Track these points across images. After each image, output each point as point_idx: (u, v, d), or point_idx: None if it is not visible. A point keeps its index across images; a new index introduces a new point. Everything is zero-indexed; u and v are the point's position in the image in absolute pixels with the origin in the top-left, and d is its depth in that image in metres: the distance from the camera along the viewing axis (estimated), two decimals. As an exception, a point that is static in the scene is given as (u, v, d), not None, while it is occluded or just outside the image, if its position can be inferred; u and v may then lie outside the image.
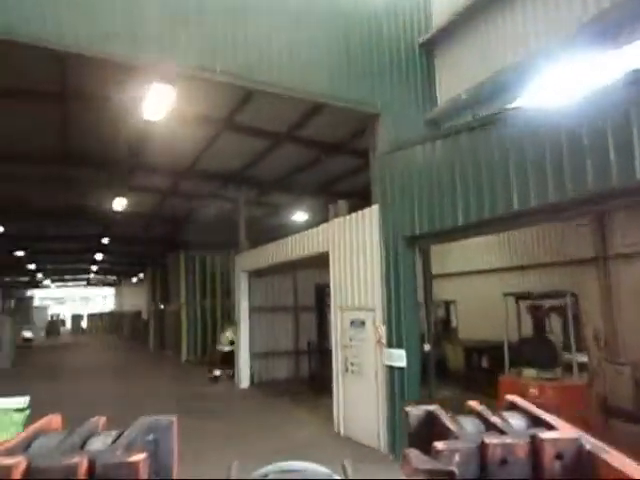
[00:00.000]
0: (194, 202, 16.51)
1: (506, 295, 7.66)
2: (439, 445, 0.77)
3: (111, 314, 43.30)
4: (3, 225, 18.77)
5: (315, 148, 11.37)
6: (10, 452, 0.76)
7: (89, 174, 13.15)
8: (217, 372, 13.81)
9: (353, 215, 8.18)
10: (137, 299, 45.59)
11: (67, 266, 36.69)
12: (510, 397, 0.96)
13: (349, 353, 8.05)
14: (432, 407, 0.94)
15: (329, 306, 12.23)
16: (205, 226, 19.30)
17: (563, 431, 0.80)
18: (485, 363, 10.94)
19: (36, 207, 16.73)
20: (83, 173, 13.02)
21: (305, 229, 10.34)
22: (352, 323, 8.01)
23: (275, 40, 7.07)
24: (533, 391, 6.17)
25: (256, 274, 13.88)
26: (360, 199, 8.37)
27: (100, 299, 57.40)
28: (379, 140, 7.62)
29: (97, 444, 0.84)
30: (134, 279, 46.81)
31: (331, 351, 8.91)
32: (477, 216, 5.63)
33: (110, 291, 58.08)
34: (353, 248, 8.06)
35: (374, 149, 7.73)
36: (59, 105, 8.94)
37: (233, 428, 8.34)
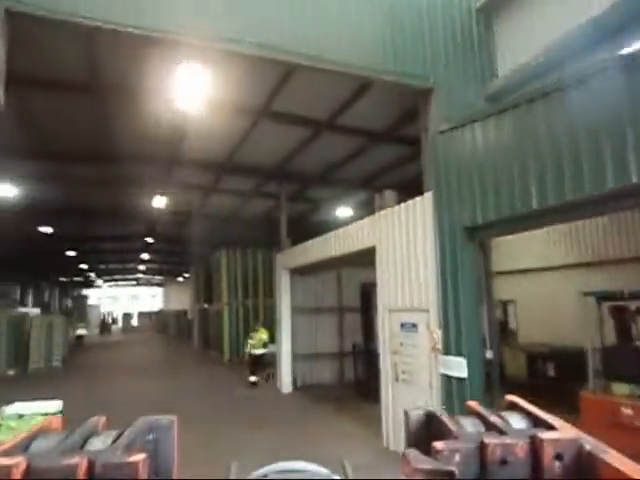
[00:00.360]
0: (235, 199, 16.09)
1: (586, 295, 6.57)
2: (439, 445, 0.78)
3: (159, 313, 44.19)
4: (52, 226, 19.16)
5: (359, 137, 10.57)
6: (10, 452, 0.77)
7: (129, 172, 12.95)
8: (253, 378, 13.05)
9: (402, 206, 7.34)
10: (183, 298, 46.39)
11: (116, 266, 37.65)
12: (510, 397, 0.99)
13: (399, 360, 7.21)
14: (432, 408, 0.94)
15: (375, 306, 11.43)
16: (247, 224, 18.93)
17: (563, 431, 0.81)
18: (551, 372, 9.76)
19: (81, 207, 16.84)
20: (123, 171, 12.82)
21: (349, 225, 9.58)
22: (402, 326, 7.17)
23: (318, 8, 6.32)
24: (627, 411, 5.10)
25: (298, 273, 13.25)
26: (409, 192, 7.51)
27: (149, 298, 58.96)
28: (432, 119, 6.73)
29: (97, 444, 0.85)
30: (180, 279, 47.70)
31: (378, 353, 8.15)
32: (556, 198, 4.66)
33: (159, 290, 59.60)
34: (403, 242, 7.22)
35: (426, 130, 6.85)
36: (92, 99, 8.61)
37: (279, 440, 7.68)
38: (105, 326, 45.83)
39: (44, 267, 34.94)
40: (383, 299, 7.77)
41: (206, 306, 25.26)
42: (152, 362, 19.97)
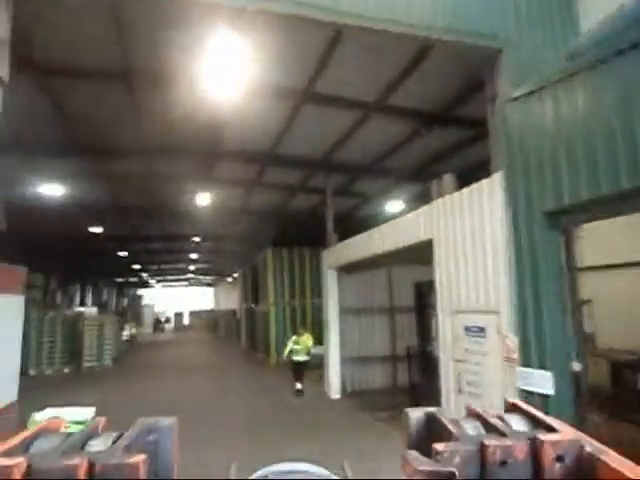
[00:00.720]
0: (280, 194, 15.47)
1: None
2: (439, 447, 0.79)
3: (209, 312, 44.75)
4: (101, 225, 19.28)
5: (411, 119, 9.59)
6: (10, 453, 0.78)
7: (170, 167, 12.57)
8: (299, 385, 12.10)
9: (465, 191, 6.35)
10: (232, 298, 46.77)
11: (168, 266, 38.31)
12: (511, 399, 0.99)
13: (464, 368, 6.23)
14: (432, 409, 0.95)
15: (431, 306, 10.38)
16: (293, 220, 18.30)
17: (563, 433, 0.81)
18: (643, 383, 8.40)
19: (126, 206, 16.62)
20: (163, 166, 12.45)
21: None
22: (467, 330, 6.18)
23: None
24: None
25: (346, 271, 12.44)
26: (467, 182, 6.52)
27: (200, 298, 60.11)
28: (501, 86, 5.70)
29: (97, 445, 0.86)
30: (229, 279, 48.12)
31: (435, 357, 7.21)
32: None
33: (209, 290, 60.63)
34: (466, 233, 6.24)
35: (493, 99, 5.83)
36: (124, 87, 8.11)
37: (330, 455, 6.91)
38: (158, 325, 47.32)
39: (100, 268, 36.13)
40: (443, 299, 6.80)
41: (253, 306, 24.98)
42: (198, 363, 19.79)
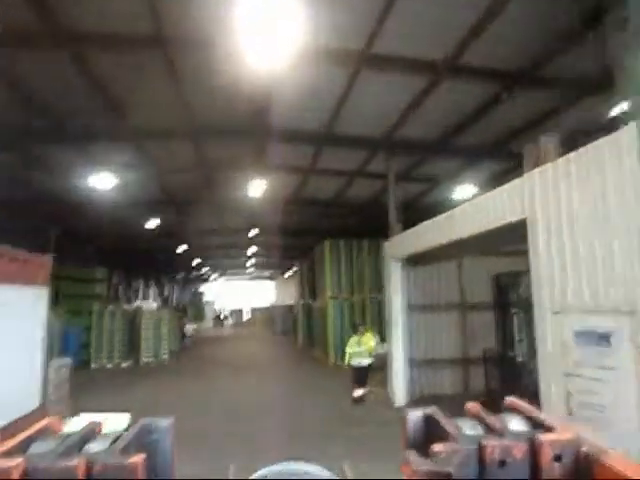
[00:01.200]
0: (337, 181, 14.31)
1: None
2: (437, 447, 0.79)
3: (268, 308, 44.64)
4: (158, 218, 18.95)
5: (488, 82, 8.12)
6: (8, 454, 0.78)
7: (218, 152, 11.71)
8: (359, 391, 10.68)
9: (573, 155, 4.91)
10: (289, 294, 46.33)
11: (227, 261, 38.38)
12: (509, 399, 0.99)
13: (575, 386, 4.81)
14: (430, 410, 0.95)
15: (515, 303, 8.88)
16: (352, 210, 17.15)
17: (562, 432, 0.81)
18: None
19: (179, 198, 16.20)
20: (211, 151, 11.62)
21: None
22: (579, 336, 4.75)
23: None
24: None
25: (411, 263, 11.11)
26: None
27: (260, 293, 60.40)
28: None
29: (95, 446, 0.86)
30: (287, 274, 47.78)
31: (519, 364, 5.82)
32: None
33: (269, 285, 60.73)
34: (577, 209, 4.80)
35: (626, 20, 4.35)
36: (161, 59, 7.32)
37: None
38: (218, 321, 47.79)
39: (162, 262, 36.84)
40: (542, 293, 5.38)
41: (310, 302, 24.13)
42: (252, 360, 19.18)
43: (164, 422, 0.93)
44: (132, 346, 18.39)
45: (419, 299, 11.48)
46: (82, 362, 17.44)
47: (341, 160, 12.22)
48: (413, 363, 11.08)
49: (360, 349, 10.90)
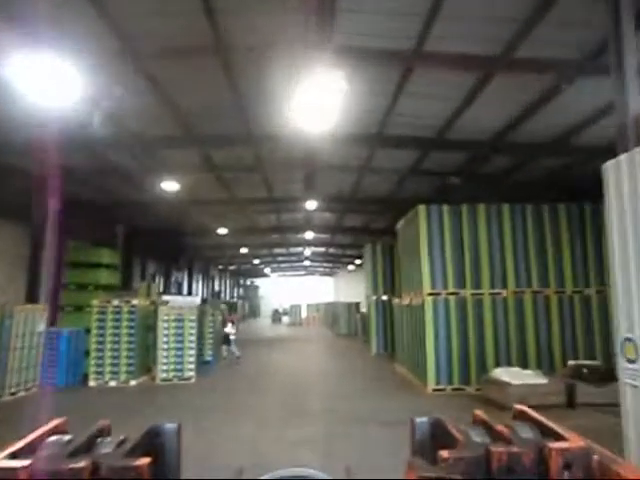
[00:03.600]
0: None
1: None
2: (444, 454, 0.80)
3: (328, 305, 39.20)
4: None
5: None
6: (17, 455, 0.81)
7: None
8: None
9: None
10: (354, 289, 40.64)
11: (281, 250, 33.54)
12: (519, 406, 1.02)
13: None
14: (437, 416, 0.99)
15: None
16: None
17: (572, 441, 0.81)
18: None
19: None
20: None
21: None
22: None
23: None
24: None
25: None
26: None
27: (318, 289, 55.23)
28: None
29: (102, 448, 0.90)
30: (350, 266, 42.07)
31: None
32: None
33: (328, 281, 55.53)
34: None
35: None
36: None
37: None
38: (276, 316, 46.02)
39: (212, 254, 32.60)
40: None
41: (384, 298, 18.28)
42: (314, 378, 13.58)
43: (171, 426, 0.99)
44: (147, 356, 13.41)
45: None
46: (82, 378, 12.70)
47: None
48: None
49: None
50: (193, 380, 12.83)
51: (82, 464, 0.76)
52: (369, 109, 9.06)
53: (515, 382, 9.11)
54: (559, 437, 0.83)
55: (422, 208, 11.69)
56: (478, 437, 0.87)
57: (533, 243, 11.53)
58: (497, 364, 11.04)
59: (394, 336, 17.15)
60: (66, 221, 15.18)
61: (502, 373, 9.70)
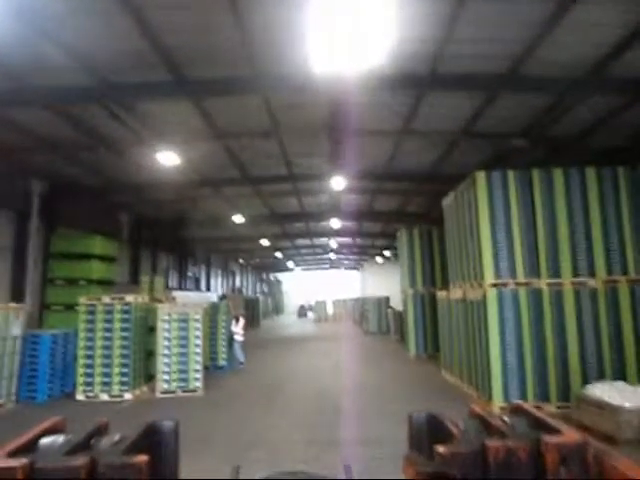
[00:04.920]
0: None
1: None
2: (441, 448, 0.79)
3: (355, 300, 36.80)
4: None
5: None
6: (15, 453, 0.81)
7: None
8: None
9: None
10: (383, 283, 38.08)
11: (305, 241, 31.32)
12: (515, 402, 1.03)
13: None
14: (434, 411, 1.01)
15: None
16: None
17: (568, 435, 0.81)
18: None
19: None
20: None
21: None
22: None
23: None
24: None
25: None
26: None
27: (344, 283, 52.81)
28: None
29: (100, 446, 0.89)
30: (379, 258, 39.53)
31: None
32: None
33: (353, 275, 53.11)
34: None
35: None
36: None
37: None
38: (302, 312, 45.88)
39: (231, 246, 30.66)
40: None
41: (423, 291, 15.81)
42: (346, 382, 11.21)
43: (169, 424, 0.98)
44: (148, 364, 11.33)
45: None
46: (70, 389, 10.70)
47: None
48: None
49: None
50: (200, 392, 10.64)
51: (80, 462, 0.75)
52: (419, 38, 6.64)
53: (629, 405, 6.54)
54: (555, 431, 0.83)
55: (481, 175, 9.16)
56: (474, 432, 0.86)
57: (629, 217, 8.87)
58: (584, 375, 8.47)
59: (437, 335, 14.69)
60: (58, 207, 13.28)
61: (604, 390, 7.12)
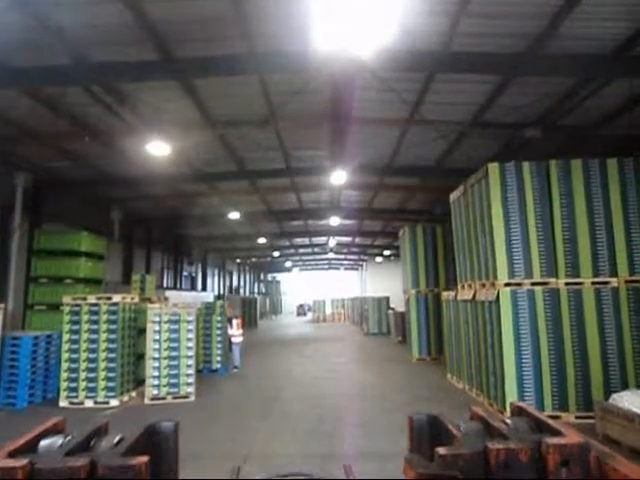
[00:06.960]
0: None
1: None
2: (442, 450, 0.78)
3: (354, 300, 36.18)
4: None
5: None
6: (15, 454, 0.79)
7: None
8: None
9: None
10: (382, 282, 37.52)
11: (303, 240, 30.68)
12: (516, 402, 1.00)
13: None
14: (435, 412, 0.99)
15: None
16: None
17: (570, 437, 0.79)
18: None
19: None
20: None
21: None
22: None
23: None
24: None
25: None
26: None
27: (342, 283, 52.16)
28: None
29: (101, 446, 0.89)
30: (378, 258, 38.91)
31: None
32: None
33: (352, 275, 52.52)
34: None
35: None
36: None
37: None
38: (300, 311, 46.23)
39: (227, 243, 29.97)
40: None
41: (427, 291, 15.21)
42: (347, 389, 10.58)
43: (169, 424, 0.99)
44: (135, 368, 10.66)
45: None
46: (53, 394, 10.05)
47: None
48: None
49: None
50: (192, 398, 9.98)
51: (80, 463, 0.74)
52: (431, 11, 6.00)
53: (663, 417, 5.91)
54: (556, 433, 0.81)
55: (494, 167, 8.53)
56: (475, 433, 0.84)
57: (654, 212, 8.26)
58: (606, 383, 7.86)
59: (441, 338, 14.09)
60: (44, 201, 12.61)
61: (632, 400, 6.50)
